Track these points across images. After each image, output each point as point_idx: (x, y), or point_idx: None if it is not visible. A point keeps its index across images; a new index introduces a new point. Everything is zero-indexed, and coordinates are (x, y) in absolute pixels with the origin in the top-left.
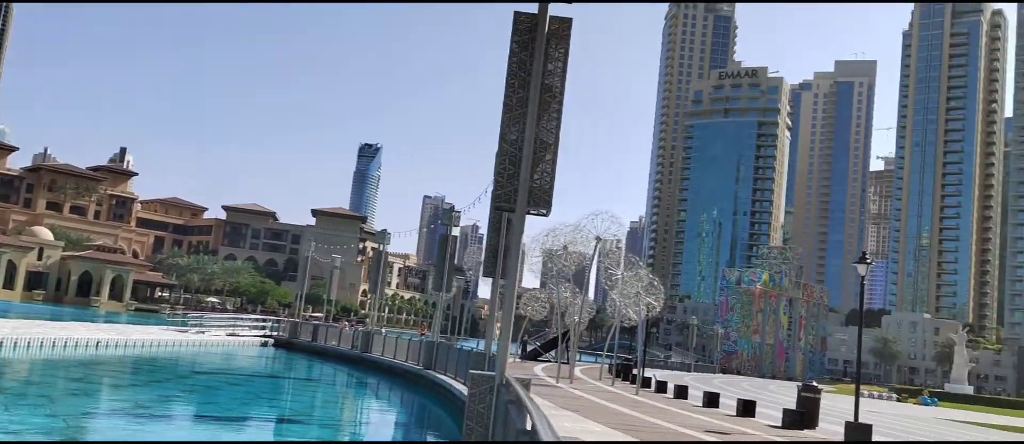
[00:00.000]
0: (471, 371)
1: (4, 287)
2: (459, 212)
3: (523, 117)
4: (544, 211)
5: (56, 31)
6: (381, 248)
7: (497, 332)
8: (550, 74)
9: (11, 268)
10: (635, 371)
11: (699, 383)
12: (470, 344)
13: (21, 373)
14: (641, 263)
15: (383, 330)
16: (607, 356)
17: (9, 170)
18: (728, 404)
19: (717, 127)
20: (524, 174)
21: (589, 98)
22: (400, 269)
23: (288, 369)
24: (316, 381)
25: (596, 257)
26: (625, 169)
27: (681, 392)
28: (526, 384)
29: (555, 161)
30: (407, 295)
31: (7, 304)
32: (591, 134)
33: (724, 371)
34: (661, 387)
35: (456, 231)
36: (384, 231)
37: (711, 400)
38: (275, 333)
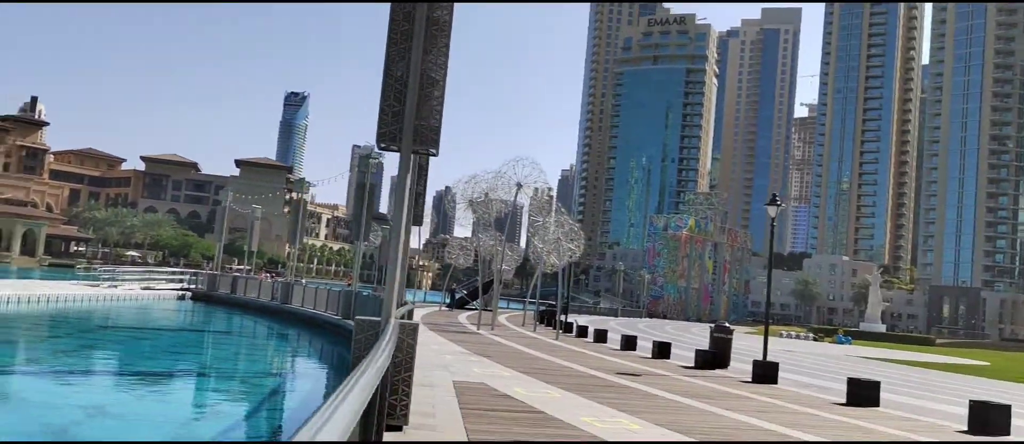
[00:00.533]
0: (356, 317)
1: None
2: (379, 158)
3: (408, 51)
4: (432, 150)
5: None
6: (299, 196)
7: (397, 278)
8: (438, 7)
9: None
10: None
11: (623, 328)
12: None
13: None
14: (562, 209)
15: (303, 281)
16: (531, 303)
17: None
18: (645, 347)
19: (646, 74)
20: (409, 111)
21: (521, 46)
22: (329, 220)
23: (205, 322)
24: (233, 333)
25: (524, 204)
26: (556, 118)
27: (601, 336)
28: (412, 330)
29: (442, 98)
30: (336, 246)
31: None
32: (522, 82)
33: (651, 315)
34: (582, 332)
35: (386, 180)
36: (302, 180)
37: (629, 343)
38: (193, 286)
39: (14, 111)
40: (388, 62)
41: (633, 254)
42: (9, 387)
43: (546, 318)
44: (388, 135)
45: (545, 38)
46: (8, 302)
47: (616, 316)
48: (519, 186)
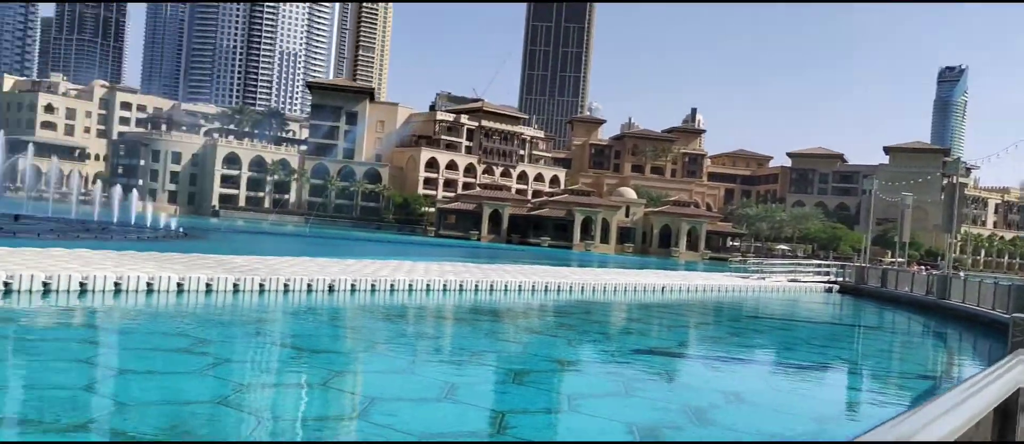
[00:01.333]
0: (1014, 314)
1: (602, 241)
2: None
3: None
4: None
5: (633, 21)
6: (953, 179)
7: None
8: None
9: (605, 225)
10: None
11: None
12: None
13: (606, 312)
14: None
15: (961, 274)
16: None
17: (601, 141)
18: None
19: None
20: None
21: None
22: (997, 205)
23: (852, 315)
24: (881, 329)
25: None
26: None
27: None
28: None
29: None
30: (1008, 235)
31: (604, 256)
32: None
33: None
34: None
35: None
36: (957, 161)
37: None
38: (840, 279)
39: (678, 124)
40: None
41: None
42: (665, 366)
43: None
44: None
45: None
46: (672, 290)
47: None
48: None
